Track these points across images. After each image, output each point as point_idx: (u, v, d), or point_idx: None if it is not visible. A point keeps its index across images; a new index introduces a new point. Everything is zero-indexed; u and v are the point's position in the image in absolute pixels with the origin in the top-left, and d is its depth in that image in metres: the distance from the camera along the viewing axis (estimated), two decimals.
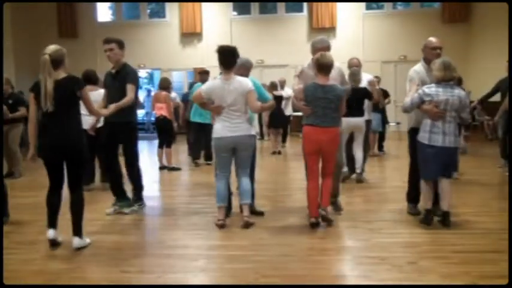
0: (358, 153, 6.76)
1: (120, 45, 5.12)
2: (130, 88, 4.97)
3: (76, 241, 4.01)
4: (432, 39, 4.89)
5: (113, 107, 4.81)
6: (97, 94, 5.86)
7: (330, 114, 4.51)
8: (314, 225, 4.53)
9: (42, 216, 4.20)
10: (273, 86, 10.73)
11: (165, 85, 8.62)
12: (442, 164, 4.46)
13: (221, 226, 4.59)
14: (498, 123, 7.64)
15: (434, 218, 4.51)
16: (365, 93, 6.72)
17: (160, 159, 8.60)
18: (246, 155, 4.67)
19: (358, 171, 6.77)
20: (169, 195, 6.43)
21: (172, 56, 15.55)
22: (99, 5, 16.15)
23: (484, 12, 13.74)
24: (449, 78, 4.43)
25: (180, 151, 9.68)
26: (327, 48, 4.83)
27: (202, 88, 4.72)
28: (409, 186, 4.99)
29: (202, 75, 8.91)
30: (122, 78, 5.03)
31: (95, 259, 3.82)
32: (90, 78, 6.33)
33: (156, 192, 6.94)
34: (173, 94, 14.02)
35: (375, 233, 4.35)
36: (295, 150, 10.74)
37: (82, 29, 15.47)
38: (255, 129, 4.73)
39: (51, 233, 4.05)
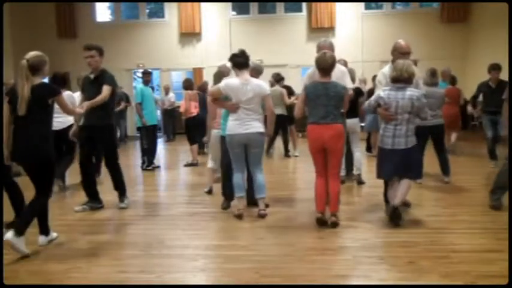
0: (357, 153, 6.56)
1: (100, 52, 5.29)
2: (105, 88, 5.14)
3: (42, 239, 4.16)
4: (402, 43, 4.92)
5: (87, 103, 4.95)
6: (65, 95, 6.12)
7: (332, 111, 4.45)
8: (320, 221, 4.50)
9: None
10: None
11: (188, 85, 8.88)
12: (395, 165, 4.47)
13: (239, 216, 4.87)
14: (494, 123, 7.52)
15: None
16: (358, 93, 6.64)
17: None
18: (256, 152, 4.92)
19: (357, 172, 6.53)
20: (168, 195, 6.43)
21: (171, 56, 15.54)
22: (98, 5, 16.13)
23: (483, 12, 13.74)
24: (400, 79, 4.40)
25: (181, 151, 9.67)
26: (329, 47, 4.95)
27: (221, 85, 4.91)
28: (385, 187, 4.94)
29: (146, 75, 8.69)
30: (100, 83, 5.18)
31: (94, 259, 3.82)
32: (57, 81, 6.37)
33: (155, 192, 6.94)
34: (171, 94, 14.08)
35: (375, 232, 4.35)
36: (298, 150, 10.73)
37: (81, 29, 15.45)
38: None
39: (42, 240, 4.15)
